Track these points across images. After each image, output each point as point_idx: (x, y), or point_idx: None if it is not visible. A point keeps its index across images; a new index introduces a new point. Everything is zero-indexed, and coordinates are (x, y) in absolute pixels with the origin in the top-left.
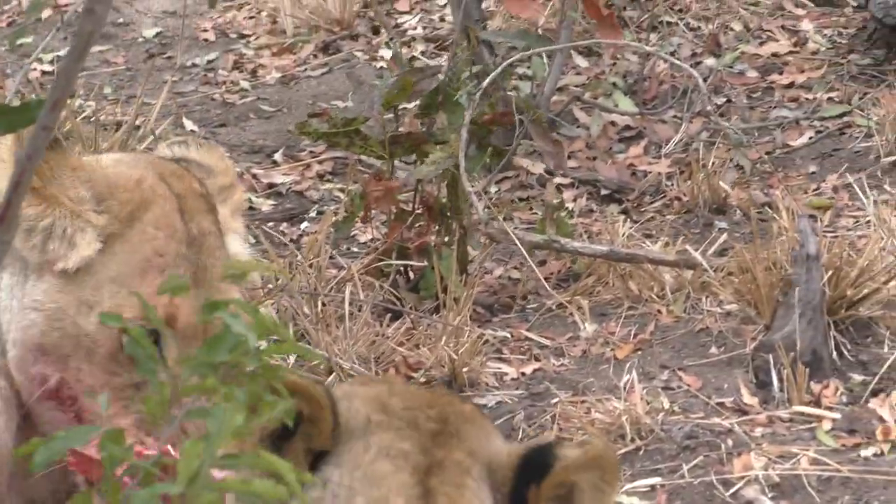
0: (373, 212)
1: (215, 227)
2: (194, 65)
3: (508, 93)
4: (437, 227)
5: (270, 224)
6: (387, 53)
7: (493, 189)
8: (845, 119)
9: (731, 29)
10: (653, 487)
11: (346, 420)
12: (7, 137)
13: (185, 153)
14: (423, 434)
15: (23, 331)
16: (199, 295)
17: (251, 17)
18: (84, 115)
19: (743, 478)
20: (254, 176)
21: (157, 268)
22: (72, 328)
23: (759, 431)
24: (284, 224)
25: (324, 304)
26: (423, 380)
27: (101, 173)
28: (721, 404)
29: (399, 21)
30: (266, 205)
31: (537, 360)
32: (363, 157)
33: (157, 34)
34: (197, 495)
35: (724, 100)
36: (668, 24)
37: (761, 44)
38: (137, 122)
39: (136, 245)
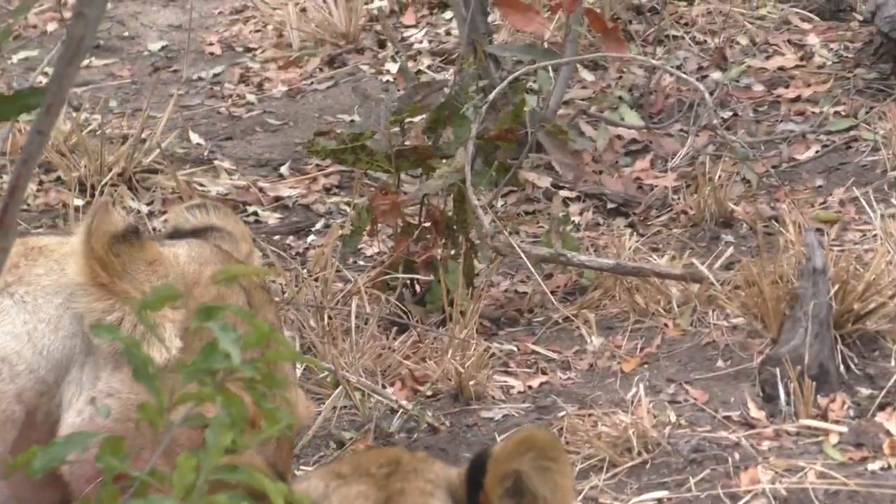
0: (379, 225)
1: (276, 318)
2: (200, 78)
3: (515, 107)
4: (443, 241)
5: (277, 237)
6: (392, 67)
7: (499, 203)
8: (852, 133)
9: (737, 43)
10: (660, 501)
11: (301, 501)
12: None
13: (207, 219)
14: (378, 477)
15: (91, 413)
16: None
17: (257, 31)
18: (90, 128)
19: (750, 491)
20: (260, 189)
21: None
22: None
23: (766, 445)
24: (291, 237)
25: (330, 318)
26: (429, 393)
27: (178, 270)
28: (728, 418)
29: (405, 35)
30: (272, 218)
31: (544, 373)
32: (369, 171)
33: (163, 48)
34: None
35: (731, 113)
36: (674, 37)
37: (767, 58)
38: (143, 136)
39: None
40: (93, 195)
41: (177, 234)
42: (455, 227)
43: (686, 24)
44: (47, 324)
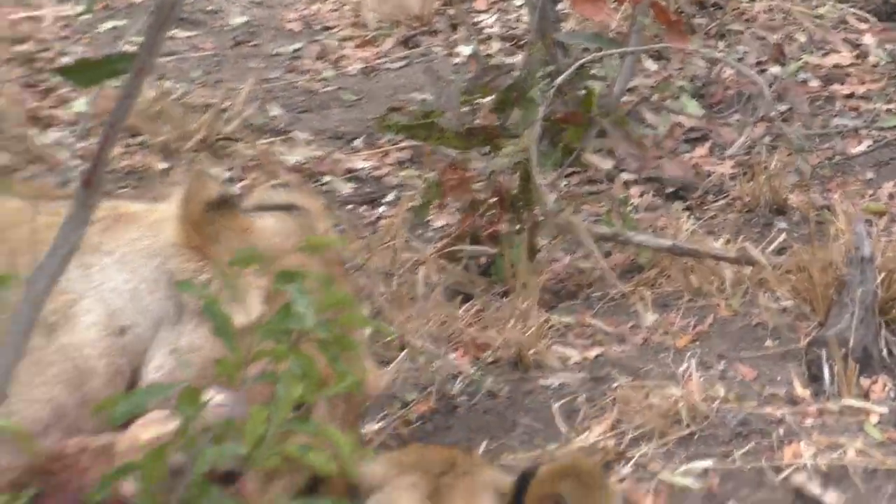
0: (448, 199)
1: (351, 290)
2: (279, 53)
3: (581, 93)
4: (508, 217)
5: (349, 206)
6: (463, 49)
7: (562, 182)
8: None
9: (796, 39)
10: (706, 471)
11: (364, 483)
12: None
13: (289, 198)
14: (434, 472)
15: (172, 367)
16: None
17: (335, 10)
18: (174, 96)
19: (792, 465)
20: (335, 160)
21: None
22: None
23: (809, 422)
24: (363, 207)
25: (398, 285)
26: (490, 360)
27: (266, 241)
28: (774, 395)
29: (476, 19)
30: (346, 188)
31: (600, 345)
32: (440, 147)
33: (245, 22)
34: (261, 457)
35: (787, 107)
36: (736, 32)
37: (824, 55)
38: (224, 105)
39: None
40: (175, 159)
41: (260, 209)
42: (520, 203)
43: (747, 20)
44: (147, 284)
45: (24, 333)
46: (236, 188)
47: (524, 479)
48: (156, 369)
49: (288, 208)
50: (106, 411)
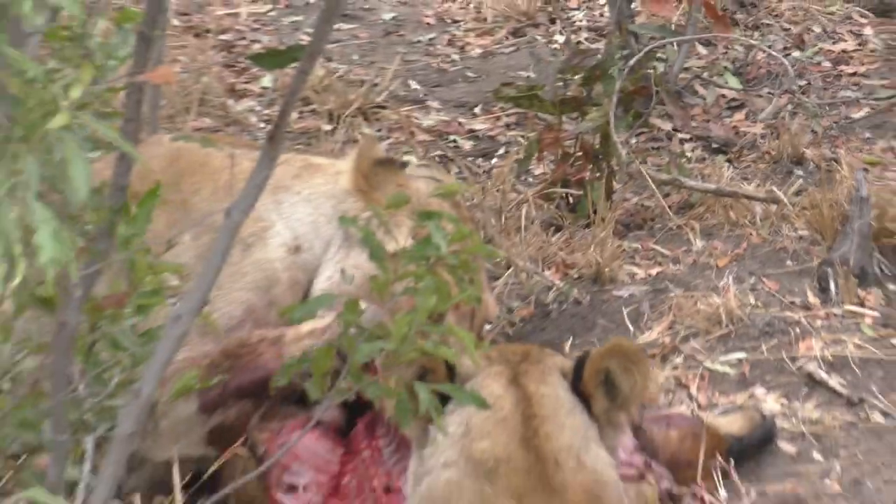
0: (545, 153)
1: (476, 236)
2: (419, 41)
3: (648, 71)
4: (590, 166)
5: (469, 159)
6: (559, 38)
7: (633, 140)
8: (893, 100)
9: (813, 30)
10: (739, 360)
11: (461, 372)
12: None
13: (433, 173)
14: (513, 362)
15: (338, 280)
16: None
17: (462, 8)
18: (337, 74)
19: (805, 356)
20: (459, 123)
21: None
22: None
23: (818, 323)
24: (480, 159)
25: (506, 219)
26: (576, 276)
27: (416, 194)
28: (792, 303)
29: (569, 14)
30: (467, 144)
31: (660, 265)
32: (539, 114)
33: (393, 17)
34: (404, 352)
35: (805, 82)
36: (767, 24)
37: (834, 42)
38: (376, 81)
39: None
40: (338, 123)
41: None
42: (600, 156)
43: (776, 16)
44: (325, 218)
45: (222, 253)
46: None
47: (581, 361)
48: (326, 279)
49: (430, 178)
50: (288, 315)
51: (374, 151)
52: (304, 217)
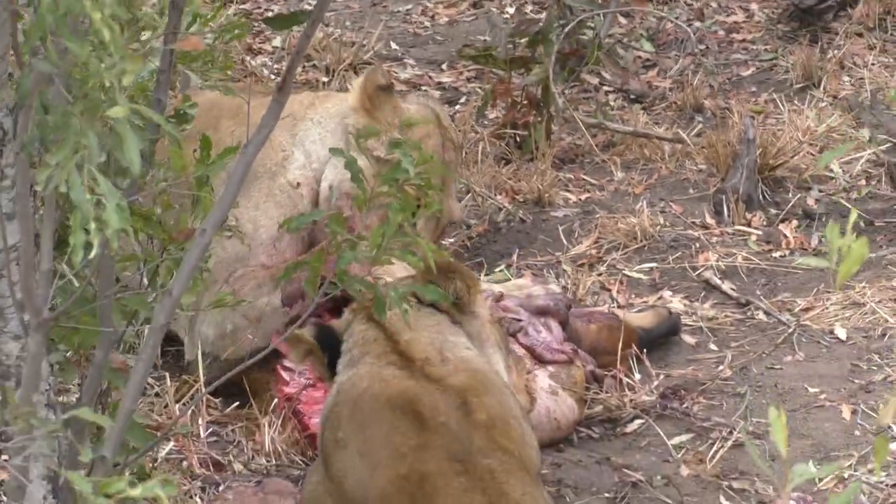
0: (498, 101)
1: (455, 156)
2: (399, 11)
3: (581, 36)
4: (534, 112)
5: None
6: (510, 10)
7: (567, 91)
8: (773, 62)
9: (710, 5)
10: (651, 269)
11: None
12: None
13: (429, 102)
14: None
15: (340, 183)
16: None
17: None
18: (333, 37)
19: (704, 266)
20: (429, 76)
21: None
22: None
23: (714, 239)
24: (446, 105)
25: (466, 153)
26: (521, 200)
27: (408, 116)
28: (693, 223)
29: None
30: (436, 94)
31: (588, 192)
32: (493, 70)
33: None
34: (379, 257)
35: (704, 47)
36: (675, 1)
37: (728, 15)
38: (363, 43)
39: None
40: (333, 76)
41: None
42: (541, 104)
43: None
44: (332, 134)
45: (238, 180)
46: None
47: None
48: (325, 180)
49: (426, 105)
50: (288, 224)
51: (377, 78)
52: (315, 137)
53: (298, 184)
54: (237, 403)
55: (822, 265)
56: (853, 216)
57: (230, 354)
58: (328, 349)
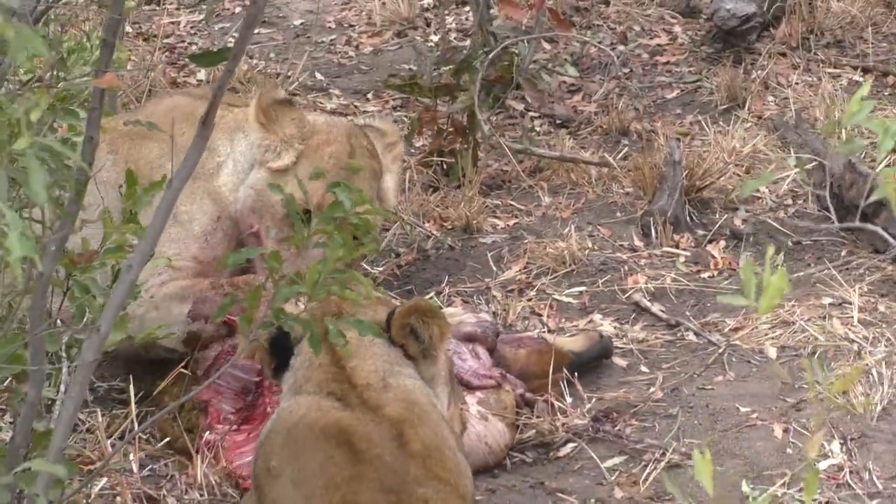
0: (424, 129)
1: (369, 167)
2: (323, 41)
3: (505, 63)
4: (460, 139)
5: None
6: (434, 38)
7: (493, 118)
8: (698, 83)
9: (634, 29)
10: (581, 292)
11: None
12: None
13: (371, 122)
14: (324, 318)
15: (245, 198)
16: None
17: (356, 15)
18: (258, 69)
19: (633, 288)
20: (355, 106)
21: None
22: (269, 199)
23: (643, 262)
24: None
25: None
26: (450, 227)
27: (310, 127)
28: (622, 245)
29: (442, 18)
30: (363, 123)
31: (516, 217)
32: (419, 98)
33: (301, 22)
34: (316, 293)
35: (629, 70)
36: (598, 24)
37: (651, 38)
38: (288, 74)
39: (313, 163)
40: None
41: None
42: (468, 131)
43: (604, 17)
44: (249, 144)
45: (164, 214)
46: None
47: (389, 317)
48: (243, 192)
49: (364, 125)
50: (226, 261)
51: (273, 94)
52: (242, 148)
53: (228, 187)
54: (168, 439)
55: (741, 303)
56: (770, 252)
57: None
58: (279, 354)
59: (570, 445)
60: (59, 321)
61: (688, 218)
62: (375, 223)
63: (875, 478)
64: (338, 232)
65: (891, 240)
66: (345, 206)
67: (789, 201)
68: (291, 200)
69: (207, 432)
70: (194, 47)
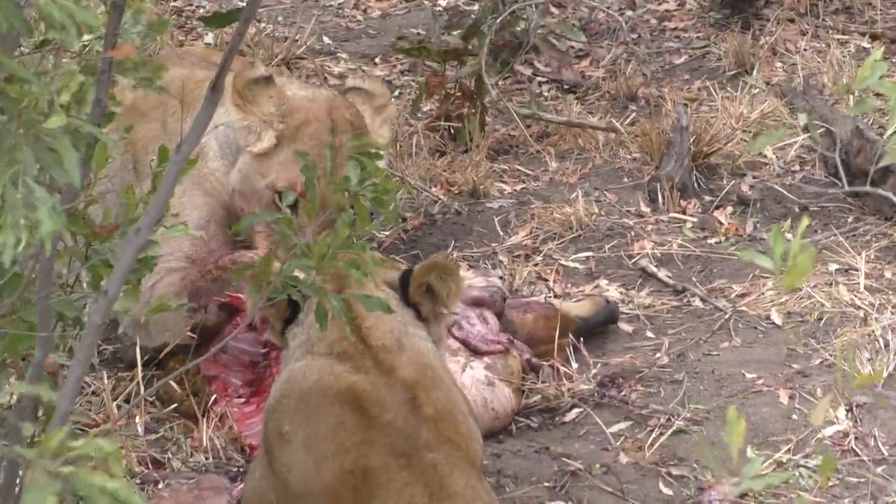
0: (432, 94)
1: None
2: (331, 5)
3: (516, 28)
4: (468, 104)
5: None
6: (442, 2)
7: (501, 83)
8: (706, 49)
9: None
10: (587, 258)
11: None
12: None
13: (360, 84)
14: (340, 276)
15: (234, 182)
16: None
17: None
18: (266, 32)
19: (639, 254)
20: (363, 70)
21: (297, 157)
22: (255, 184)
23: (649, 227)
24: None
25: (400, 146)
26: (456, 191)
27: (289, 104)
28: (629, 211)
29: None
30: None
31: (523, 182)
32: (427, 62)
33: None
34: (323, 268)
35: (637, 36)
36: None
37: (659, 4)
38: (296, 37)
39: (296, 144)
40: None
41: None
42: (475, 96)
43: None
44: (230, 126)
45: (172, 180)
46: (270, 71)
47: (406, 276)
48: (234, 175)
49: (350, 89)
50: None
51: (250, 73)
52: (221, 129)
53: (219, 172)
54: (175, 405)
55: (766, 265)
56: (804, 223)
57: (149, 344)
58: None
59: (576, 411)
60: (70, 288)
61: (695, 184)
62: (391, 195)
63: (880, 444)
64: (354, 205)
65: None
66: (352, 181)
67: (796, 167)
68: (288, 193)
69: (216, 405)
70: (202, 10)
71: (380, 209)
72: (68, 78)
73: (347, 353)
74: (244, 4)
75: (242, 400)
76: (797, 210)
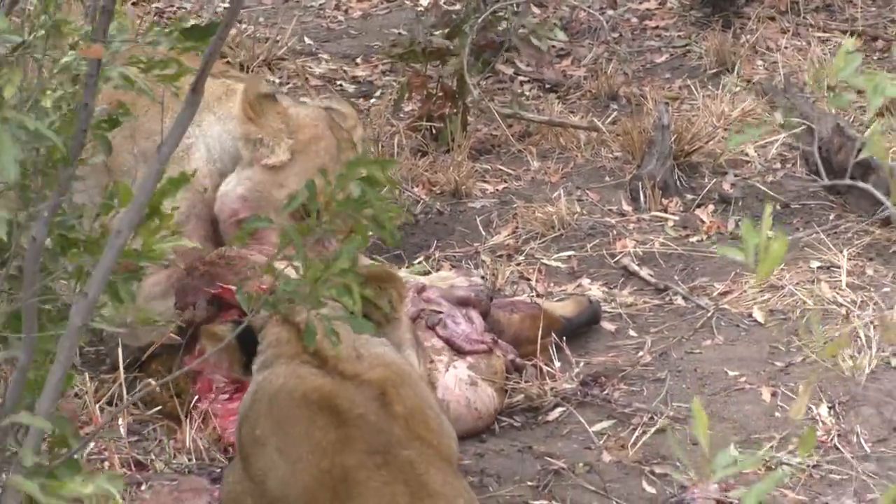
0: (413, 94)
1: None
2: (312, 6)
3: (498, 28)
4: (450, 104)
5: (353, 99)
6: (423, 2)
7: (483, 83)
8: (687, 48)
9: None
10: (569, 257)
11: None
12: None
13: (330, 104)
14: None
15: (232, 188)
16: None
17: None
18: (247, 33)
19: (621, 253)
20: (344, 71)
21: (319, 172)
22: (271, 194)
23: (631, 226)
24: (361, 100)
25: (382, 146)
26: (438, 191)
27: (296, 121)
28: (610, 210)
29: None
30: (351, 88)
31: (505, 182)
32: (410, 62)
33: None
34: (316, 291)
35: (618, 35)
36: None
37: (640, 2)
38: (277, 38)
39: (310, 158)
40: (247, 72)
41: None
42: (457, 96)
43: None
44: (230, 135)
45: (154, 178)
46: (279, 89)
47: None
48: (225, 183)
49: (327, 109)
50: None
51: (257, 87)
52: (216, 135)
53: (203, 173)
54: (158, 407)
55: (739, 257)
56: (768, 211)
57: (134, 344)
58: (247, 347)
59: (559, 410)
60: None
61: (676, 182)
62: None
63: (863, 441)
64: (354, 224)
65: (882, 198)
66: (357, 198)
67: (777, 165)
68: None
69: (199, 402)
70: (182, 11)
71: (380, 232)
72: (10, 73)
73: (307, 363)
74: (225, 6)
75: (226, 396)
76: (779, 208)
